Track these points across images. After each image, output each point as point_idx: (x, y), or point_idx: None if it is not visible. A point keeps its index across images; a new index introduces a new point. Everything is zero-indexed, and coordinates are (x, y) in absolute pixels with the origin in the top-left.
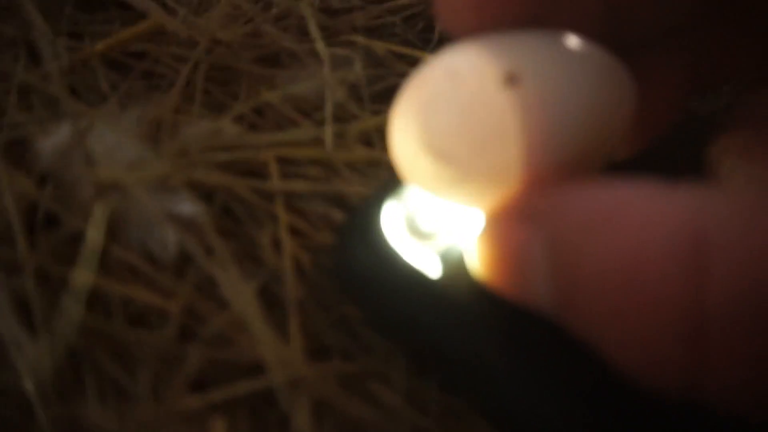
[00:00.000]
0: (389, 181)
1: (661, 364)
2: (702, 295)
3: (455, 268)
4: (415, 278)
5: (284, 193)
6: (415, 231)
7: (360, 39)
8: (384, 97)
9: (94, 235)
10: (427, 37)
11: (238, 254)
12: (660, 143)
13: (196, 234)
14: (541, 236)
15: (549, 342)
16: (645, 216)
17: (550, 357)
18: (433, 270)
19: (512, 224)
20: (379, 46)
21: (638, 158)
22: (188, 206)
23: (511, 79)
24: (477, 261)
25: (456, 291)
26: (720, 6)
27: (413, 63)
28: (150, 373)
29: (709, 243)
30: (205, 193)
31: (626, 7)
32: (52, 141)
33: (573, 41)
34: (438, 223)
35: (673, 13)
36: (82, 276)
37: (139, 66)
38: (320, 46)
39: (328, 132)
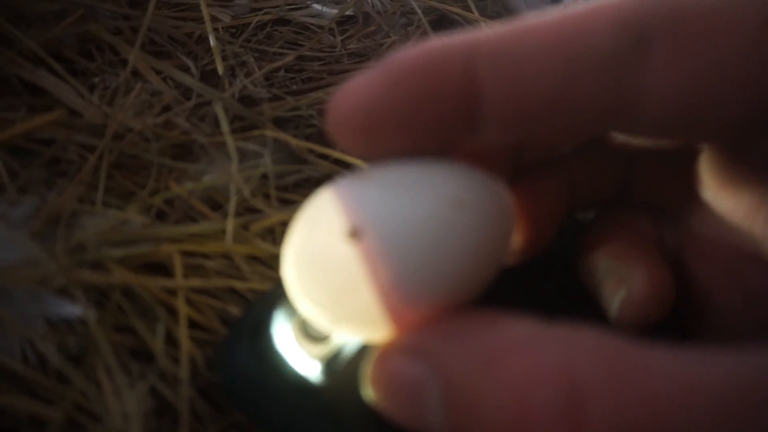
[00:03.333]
0: None
1: None
2: None
3: (344, 374)
4: (299, 385)
5: (184, 287)
6: (307, 333)
7: (272, 132)
8: (294, 190)
9: None
10: None
11: (128, 353)
12: (545, 251)
13: (82, 336)
14: (434, 373)
15: None
16: (526, 363)
17: None
18: (319, 376)
19: (403, 360)
20: (292, 140)
21: (526, 267)
22: (74, 308)
23: (354, 233)
24: (370, 389)
25: (342, 398)
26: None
27: (324, 157)
28: None
29: (583, 389)
30: (99, 291)
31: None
32: None
33: (444, 173)
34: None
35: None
36: None
37: (46, 153)
38: (229, 140)
39: (230, 226)
